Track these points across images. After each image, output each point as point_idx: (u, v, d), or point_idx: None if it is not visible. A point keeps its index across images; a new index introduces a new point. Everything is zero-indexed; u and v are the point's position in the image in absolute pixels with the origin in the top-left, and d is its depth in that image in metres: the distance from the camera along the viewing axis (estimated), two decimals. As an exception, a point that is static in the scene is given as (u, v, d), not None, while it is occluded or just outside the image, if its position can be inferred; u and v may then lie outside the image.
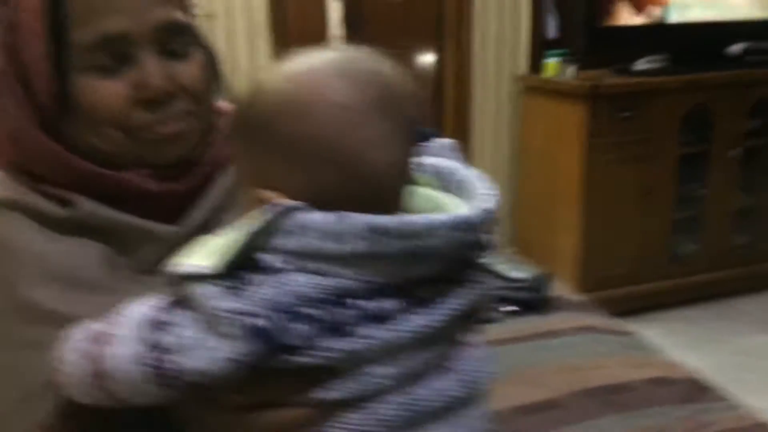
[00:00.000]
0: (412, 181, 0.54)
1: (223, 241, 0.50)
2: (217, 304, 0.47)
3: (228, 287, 0.47)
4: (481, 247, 0.54)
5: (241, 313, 0.46)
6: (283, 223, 0.48)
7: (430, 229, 0.48)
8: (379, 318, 0.48)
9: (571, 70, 2.85)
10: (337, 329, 0.47)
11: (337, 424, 0.50)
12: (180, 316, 0.49)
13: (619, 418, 1.28)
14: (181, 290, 0.50)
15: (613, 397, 1.33)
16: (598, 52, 2.90)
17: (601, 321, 1.63)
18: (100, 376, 0.51)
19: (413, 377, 0.51)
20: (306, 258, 0.48)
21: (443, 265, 0.51)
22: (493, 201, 0.54)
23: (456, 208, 0.53)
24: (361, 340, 0.48)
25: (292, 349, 0.47)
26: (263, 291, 0.47)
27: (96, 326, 0.54)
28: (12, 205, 0.68)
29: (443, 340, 0.53)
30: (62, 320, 0.61)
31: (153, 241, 0.69)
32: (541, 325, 1.60)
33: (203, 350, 0.47)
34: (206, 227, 0.70)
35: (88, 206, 0.67)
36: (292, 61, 0.54)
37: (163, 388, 0.49)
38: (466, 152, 3.01)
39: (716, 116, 2.85)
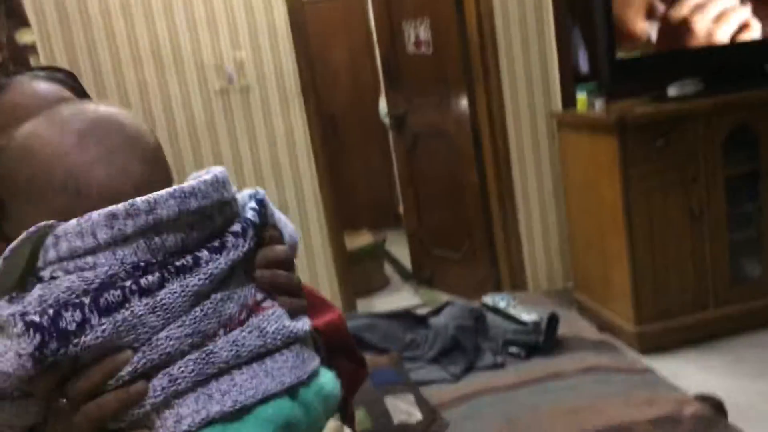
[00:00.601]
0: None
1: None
2: (2, 312, 0.53)
3: (8, 298, 0.55)
4: (223, 217, 0.60)
5: (17, 314, 0.53)
6: (40, 241, 0.55)
7: (152, 204, 0.55)
8: (146, 291, 0.55)
9: (599, 103, 2.83)
10: (108, 308, 0.54)
11: (153, 394, 0.55)
12: None
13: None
14: None
15: (611, 439, 1.31)
16: (626, 81, 2.88)
17: (611, 360, 1.60)
18: None
19: (204, 336, 0.56)
20: (68, 260, 0.55)
21: (187, 234, 0.58)
22: (212, 175, 0.59)
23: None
24: (132, 311, 0.54)
25: (71, 333, 0.53)
26: (35, 294, 0.54)
27: None
28: None
29: (221, 301, 0.58)
30: None
31: None
32: (546, 368, 1.59)
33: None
34: None
35: None
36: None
37: None
38: (509, 193, 3.03)
39: (761, 133, 2.74)
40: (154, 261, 0.57)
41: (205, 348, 0.56)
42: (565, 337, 1.70)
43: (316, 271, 3.15)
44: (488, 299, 1.89)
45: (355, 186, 5.13)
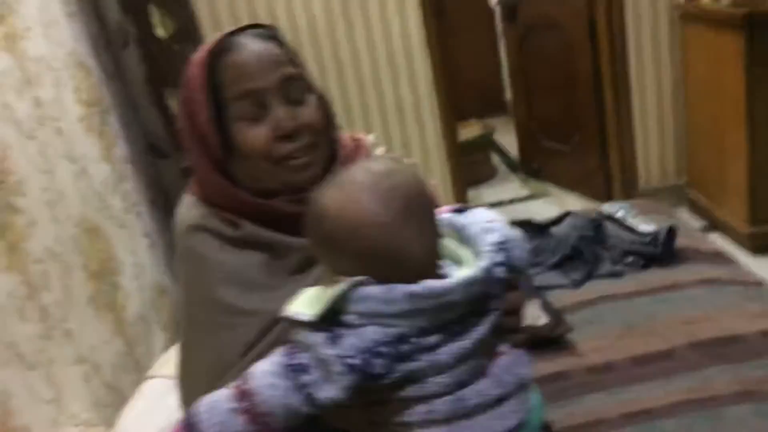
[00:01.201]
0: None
1: (315, 294, 0.77)
2: (325, 351, 0.73)
3: (327, 338, 0.73)
4: (491, 292, 0.77)
5: (342, 357, 0.72)
6: (352, 294, 0.73)
7: (447, 291, 0.73)
8: (429, 348, 0.74)
9: (728, -5, 2.70)
10: (402, 358, 0.73)
11: (412, 413, 0.76)
12: (305, 360, 0.75)
13: (728, 368, 1.37)
14: (295, 334, 0.76)
15: (723, 349, 1.42)
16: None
17: (728, 272, 1.69)
18: (255, 419, 0.76)
19: (461, 384, 0.76)
20: (371, 316, 0.73)
21: (466, 308, 0.76)
22: (495, 256, 0.76)
23: (467, 262, 0.77)
24: (418, 363, 0.74)
25: (379, 375, 0.73)
26: (351, 340, 0.73)
27: (229, 392, 0.78)
28: (201, 228, 1.00)
29: (478, 356, 0.77)
30: (239, 312, 0.94)
31: (294, 250, 0.98)
32: (664, 279, 1.69)
33: (327, 385, 0.73)
34: None
35: (249, 227, 0.98)
36: (338, 189, 0.77)
37: (309, 410, 0.75)
38: (624, 85, 3.00)
39: None
40: (436, 326, 0.74)
41: (459, 393, 0.75)
42: (682, 248, 1.78)
43: (430, 165, 3.29)
44: (606, 208, 1.98)
45: (461, 72, 5.12)
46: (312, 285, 0.93)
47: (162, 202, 2.24)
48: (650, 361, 1.46)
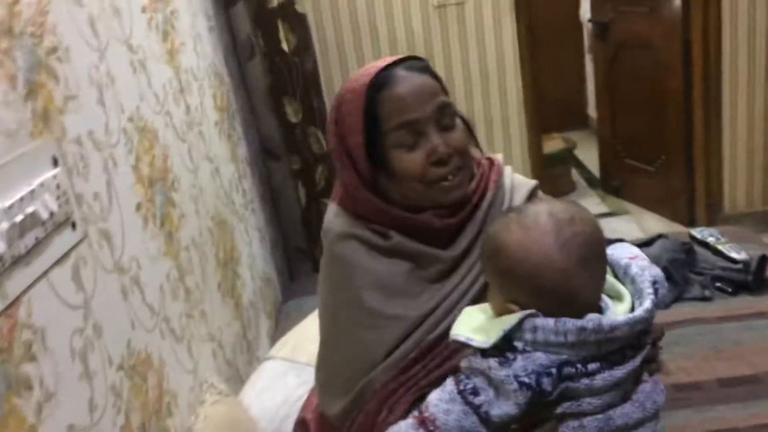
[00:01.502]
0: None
1: (485, 320, 0.89)
2: (498, 373, 0.83)
3: (500, 361, 0.84)
4: (647, 328, 0.88)
5: (515, 377, 0.83)
6: (524, 324, 0.84)
7: (614, 327, 0.83)
8: (589, 374, 0.84)
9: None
10: (564, 379, 0.83)
11: (566, 428, 0.86)
12: (478, 382, 0.86)
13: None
14: (471, 360, 0.87)
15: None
16: None
17: (816, 304, 1.74)
18: None
19: (609, 406, 0.86)
20: (540, 344, 0.84)
21: (625, 342, 0.86)
22: (654, 300, 0.86)
23: (625, 298, 0.89)
24: (577, 384, 0.84)
25: (545, 392, 0.83)
26: (521, 363, 0.83)
27: (411, 421, 0.90)
28: (351, 236, 1.10)
29: (627, 382, 0.88)
30: (383, 316, 1.05)
31: (439, 261, 1.09)
32: (752, 306, 1.76)
33: (501, 402, 0.84)
34: (469, 250, 1.10)
35: (397, 238, 1.08)
36: (522, 230, 0.86)
37: (484, 429, 0.86)
38: (716, 108, 3.01)
39: None
40: (597, 356, 0.84)
41: (608, 413, 0.86)
42: (765, 278, 1.84)
43: (514, 177, 3.39)
44: (697, 233, 2.05)
45: (545, 84, 5.17)
46: (450, 293, 1.06)
47: (270, 200, 2.43)
48: (735, 384, 1.54)
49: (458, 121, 1.09)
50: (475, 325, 0.89)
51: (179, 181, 1.54)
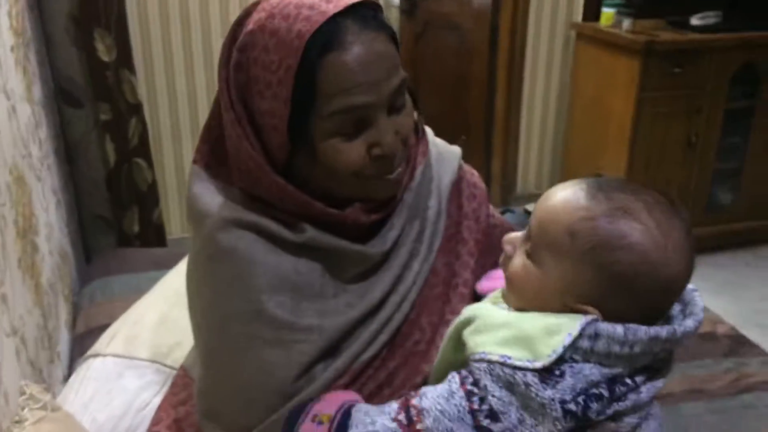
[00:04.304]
0: None
1: (508, 320, 0.71)
2: (542, 393, 0.66)
3: (542, 378, 0.67)
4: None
5: (561, 402, 0.66)
6: (586, 328, 0.68)
7: (684, 335, 0.72)
8: (635, 388, 0.71)
9: (627, 23, 2.92)
10: (615, 398, 0.69)
11: None
12: (497, 403, 0.67)
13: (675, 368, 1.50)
14: (496, 368, 0.68)
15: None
16: (656, 3, 2.97)
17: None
18: None
19: (640, 423, 0.74)
20: (594, 355, 0.68)
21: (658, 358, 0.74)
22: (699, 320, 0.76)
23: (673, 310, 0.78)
24: (625, 403, 0.70)
25: (591, 419, 0.68)
26: (567, 381, 0.67)
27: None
28: (245, 225, 0.84)
29: (652, 401, 0.76)
30: (290, 328, 0.81)
31: (362, 259, 0.87)
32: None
33: (525, 428, 0.67)
34: (397, 245, 0.90)
35: (311, 232, 0.84)
36: (659, 232, 0.70)
37: None
38: (517, 94, 3.15)
39: (763, 74, 2.94)
40: (645, 367, 0.72)
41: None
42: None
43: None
44: (531, 208, 2.06)
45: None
46: (387, 298, 0.87)
47: (65, 156, 1.97)
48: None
49: (407, 99, 0.86)
50: (501, 334, 0.70)
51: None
